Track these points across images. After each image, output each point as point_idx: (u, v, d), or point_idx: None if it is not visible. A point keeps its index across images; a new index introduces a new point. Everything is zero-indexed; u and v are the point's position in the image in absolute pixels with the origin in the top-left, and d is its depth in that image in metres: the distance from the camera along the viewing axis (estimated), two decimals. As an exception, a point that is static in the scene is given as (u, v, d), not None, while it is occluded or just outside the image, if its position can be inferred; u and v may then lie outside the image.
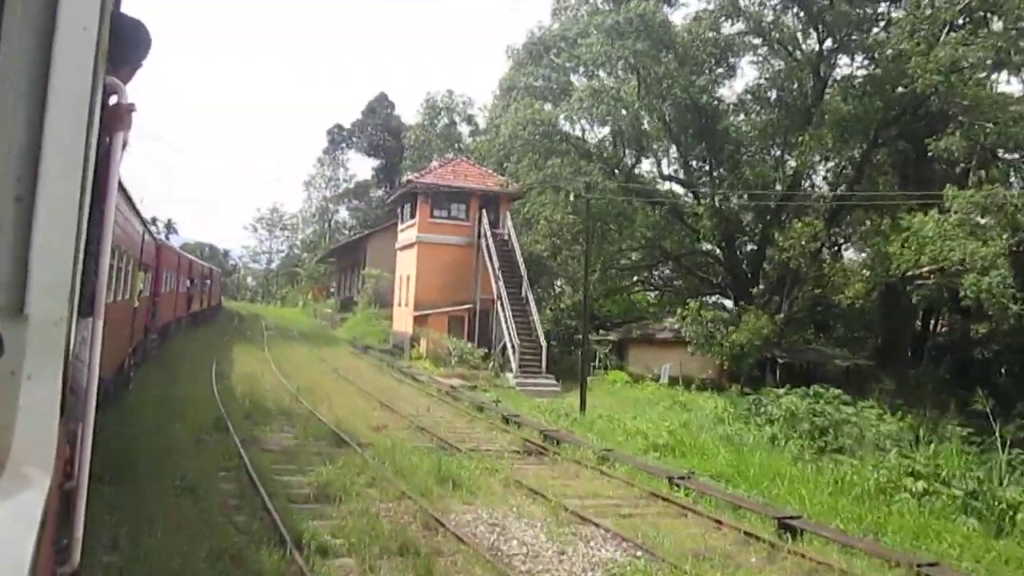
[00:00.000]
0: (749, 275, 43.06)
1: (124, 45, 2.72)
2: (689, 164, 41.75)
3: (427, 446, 14.99)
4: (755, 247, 43.25)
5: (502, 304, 32.62)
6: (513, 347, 30.71)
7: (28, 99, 1.63)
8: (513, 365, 30.43)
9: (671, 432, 18.73)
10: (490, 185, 37.56)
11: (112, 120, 2.66)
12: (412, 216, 38.19)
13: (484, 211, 36.10)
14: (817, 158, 37.46)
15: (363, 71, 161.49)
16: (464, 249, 36.70)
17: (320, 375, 25.88)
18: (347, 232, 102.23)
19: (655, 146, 39.92)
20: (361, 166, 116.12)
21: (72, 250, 1.72)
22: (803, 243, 34.34)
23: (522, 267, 33.84)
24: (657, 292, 49.61)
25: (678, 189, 45.67)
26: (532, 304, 32.68)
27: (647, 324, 40.74)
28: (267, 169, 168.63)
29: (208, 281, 44.32)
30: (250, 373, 24.37)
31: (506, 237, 35.56)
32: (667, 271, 47.43)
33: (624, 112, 36.98)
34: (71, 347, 1.86)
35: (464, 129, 51.45)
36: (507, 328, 31.51)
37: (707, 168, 41.43)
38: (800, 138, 34.79)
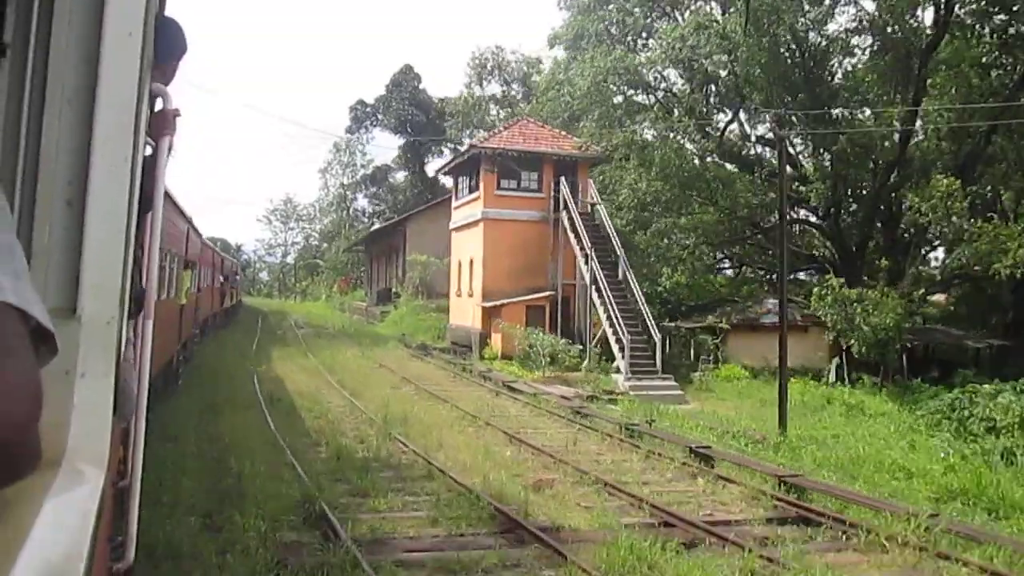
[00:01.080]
0: (855, 247, 37.00)
1: (163, 46, 2.64)
2: (790, 119, 35.53)
3: (635, 521, 9.07)
4: (863, 214, 37.11)
5: (598, 289, 26.61)
6: (621, 343, 24.72)
7: (76, 105, 1.68)
8: (621, 364, 24.46)
9: (951, 468, 12.75)
10: (566, 148, 31.46)
11: (158, 125, 2.71)
12: (473, 189, 32.16)
13: (561, 180, 30.02)
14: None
15: (382, 46, 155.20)
16: (538, 226, 30.71)
17: (393, 389, 20.03)
18: (366, 220, 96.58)
19: (754, 97, 33.69)
20: (380, 150, 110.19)
21: (122, 252, 1.76)
22: (948, 203, 28.26)
23: (617, 245, 27.78)
24: (735, 271, 43.55)
25: (761, 152, 39.45)
26: (636, 289, 26.64)
27: (745, 306, 34.61)
28: (281, 159, 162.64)
29: (237, 276, 41.00)
30: (306, 391, 18.58)
31: (589, 210, 29.49)
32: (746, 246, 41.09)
33: (726, 57, 30.88)
34: (122, 347, 1.87)
35: (518, 91, 45.05)
36: (611, 319, 25.52)
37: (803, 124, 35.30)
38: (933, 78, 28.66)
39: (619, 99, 32.38)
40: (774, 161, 37.22)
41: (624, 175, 32.15)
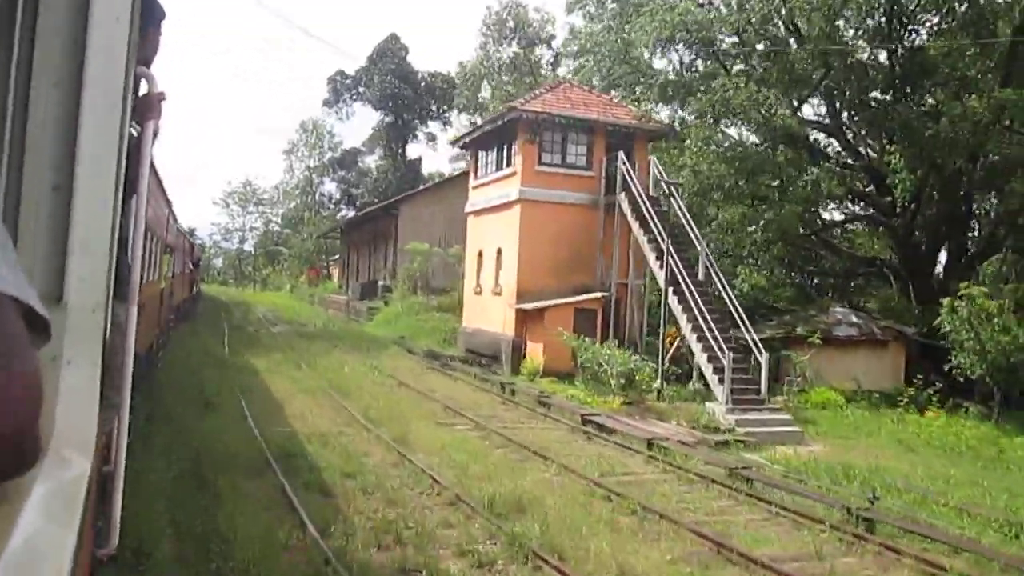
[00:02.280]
0: (924, 248, 31.98)
1: (144, 25, 2.63)
2: (863, 101, 30.23)
3: None
4: (939, 213, 32.06)
5: (678, 292, 20.93)
6: (718, 363, 19.08)
7: (64, 90, 1.66)
8: (719, 391, 18.83)
9: None
10: (622, 117, 25.68)
11: (143, 109, 2.68)
12: (503, 164, 26.19)
13: (619, 155, 24.23)
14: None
15: (367, 14, 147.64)
16: (586, 211, 24.93)
17: (442, 427, 14.26)
18: (332, 206, 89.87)
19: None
20: (349, 131, 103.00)
21: (108, 238, 1.78)
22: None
23: (697, 237, 22.09)
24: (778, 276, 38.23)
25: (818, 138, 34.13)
26: (727, 293, 21.01)
27: (808, 316, 29.19)
28: (241, 137, 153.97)
29: (200, 262, 36.76)
30: (326, 434, 12.67)
31: (653, 193, 23.76)
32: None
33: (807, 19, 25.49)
34: (107, 333, 1.87)
35: (544, 55, 38.94)
36: (699, 331, 19.86)
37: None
38: None
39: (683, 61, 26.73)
40: (831, 147, 32.19)
41: (683, 156, 26.57)
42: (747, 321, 20.39)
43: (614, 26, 29.53)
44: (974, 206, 31.94)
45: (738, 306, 20.62)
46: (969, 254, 32.07)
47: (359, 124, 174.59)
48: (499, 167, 26.48)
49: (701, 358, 19.70)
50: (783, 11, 25.06)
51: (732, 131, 30.22)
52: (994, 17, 28.07)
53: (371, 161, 77.42)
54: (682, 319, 20.64)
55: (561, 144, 24.92)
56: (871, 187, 30.48)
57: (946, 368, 24.88)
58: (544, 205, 24.42)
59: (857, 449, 17.42)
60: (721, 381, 18.89)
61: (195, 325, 29.61)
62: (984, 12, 27.06)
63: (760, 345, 19.76)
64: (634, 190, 23.27)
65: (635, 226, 23.08)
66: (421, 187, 40.06)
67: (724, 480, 11.58)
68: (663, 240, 21.49)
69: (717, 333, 19.57)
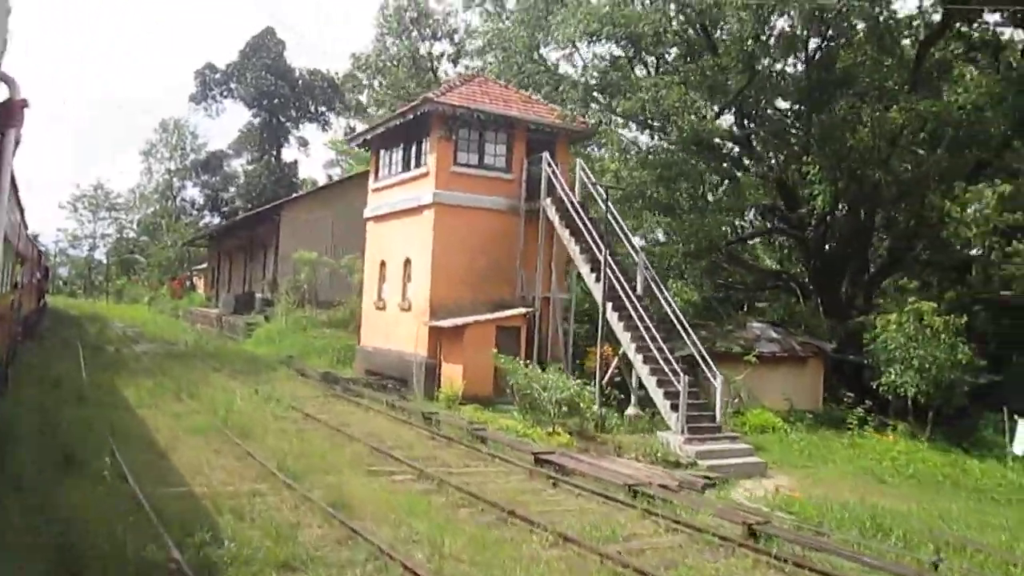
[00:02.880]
0: (835, 262, 31.60)
1: None
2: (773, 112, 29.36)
3: None
4: (846, 223, 31.75)
5: (620, 308, 18.91)
6: (670, 387, 17.13)
7: None
8: (673, 420, 16.86)
9: None
10: (543, 115, 23.51)
11: (4, 116, 2.60)
12: (413, 164, 23.47)
13: (544, 156, 22.04)
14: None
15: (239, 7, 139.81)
16: (505, 217, 22.60)
17: (373, 477, 11.60)
18: (195, 212, 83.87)
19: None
20: (214, 133, 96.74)
21: None
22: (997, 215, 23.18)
23: (634, 248, 20.19)
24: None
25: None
26: (673, 308, 19.15)
27: (725, 331, 27.88)
28: (92, 133, 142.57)
29: (48, 272, 32.99)
30: (247, 505, 9.64)
31: (579, 199, 21.66)
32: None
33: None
34: None
35: (447, 50, 36.12)
36: (644, 351, 17.89)
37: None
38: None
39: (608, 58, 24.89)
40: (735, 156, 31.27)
41: (602, 161, 24.76)
42: (695, 339, 18.58)
43: (526, 19, 27.40)
44: (876, 220, 31.78)
45: (685, 323, 18.76)
46: (870, 270, 31.86)
47: (229, 123, 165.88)
48: (407, 167, 23.74)
49: (649, 382, 17.69)
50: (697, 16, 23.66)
51: (643, 138, 28.78)
52: (896, 32, 27.78)
53: (238, 165, 72.33)
54: (624, 337, 18.61)
55: (478, 143, 22.50)
56: (779, 200, 29.62)
57: (874, 385, 24.12)
58: (460, 210, 21.92)
59: (828, 482, 15.86)
60: (674, 408, 16.97)
61: (44, 344, 25.20)
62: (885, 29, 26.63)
63: (710, 366, 17.98)
64: (563, 195, 21.12)
65: (565, 235, 20.92)
66: (304, 191, 36.48)
67: (742, 539, 9.43)
68: (599, 250, 19.41)
69: (667, 353, 17.64)
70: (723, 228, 25.93)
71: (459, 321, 20.64)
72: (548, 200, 21.62)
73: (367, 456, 13.02)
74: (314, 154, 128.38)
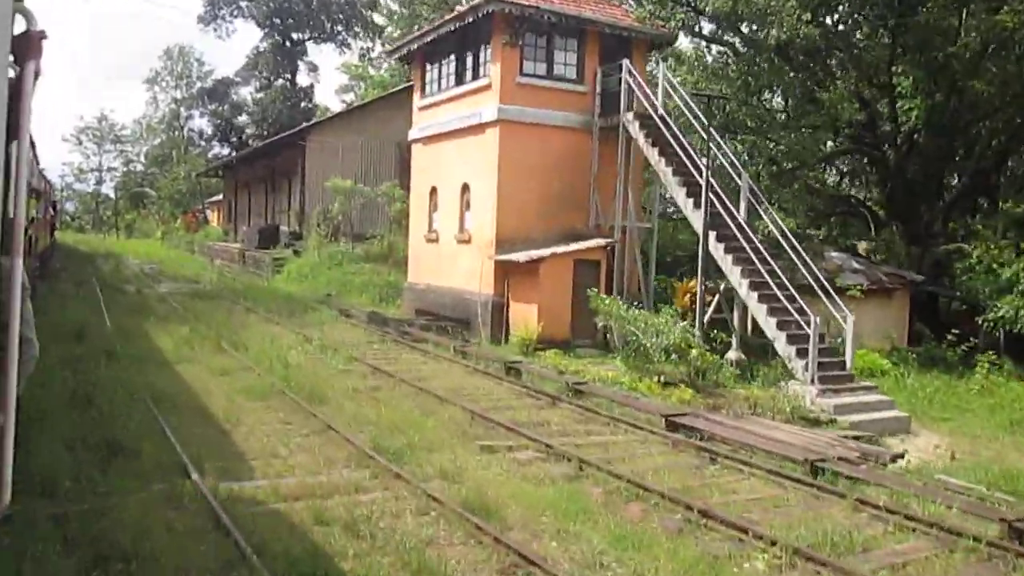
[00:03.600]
0: (917, 186, 28.63)
1: None
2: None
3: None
4: (931, 143, 28.70)
5: (725, 239, 16.29)
6: (794, 330, 14.64)
7: None
8: (799, 366, 14.37)
9: None
10: (619, 18, 20.44)
11: (23, 48, 2.57)
12: (470, 76, 20.53)
13: (623, 64, 19.10)
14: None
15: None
16: (579, 136, 19.80)
17: (490, 456, 9.31)
18: (204, 143, 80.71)
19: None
20: (220, 60, 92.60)
21: None
22: None
23: (738, 168, 17.43)
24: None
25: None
26: (792, 241, 16.55)
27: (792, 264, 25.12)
28: (94, 62, 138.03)
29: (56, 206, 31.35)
30: (351, 513, 7.28)
31: (660, 111, 18.73)
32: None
33: None
34: None
35: None
36: (760, 287, 15.35)
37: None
38: None
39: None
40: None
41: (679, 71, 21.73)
42: (815, 269, 16.01)
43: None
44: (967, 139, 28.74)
45: (804, 255, 16.15)
46: (951, 195, 28.99)
47: (236, 50, 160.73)
48: (462, 80, 20.80)
49: (768, 323, 15.14)
50: None
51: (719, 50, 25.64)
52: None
53: (247, 93, 68.74)
54: (733, 272, 15.99)
55: (546, 50, 19.52)
56: (861, 116, 26.55)
57: (981, 321, 21.64)
58: (528, 128, 19.10)
59: (985, 441, 13.43)
60: (801, 354, 14.44)
61: (58, 286, 22.71)
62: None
63: (840, 303, 15.43)
64: (648, 108, 18.26)
65: (652, 154, 18.13)
66: (331, 114, 33.47)
67: (1007, 542, 7.00)
68: (698, 170, 16.65)
69: (790, 290, 15.10)
70: (818, 145, 23.08)
71: (533, 254, 18.03)
72: (630, 115, 18.75)
73: (468, 424, 10.58)
74: (324, 80, 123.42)
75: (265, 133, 48.29)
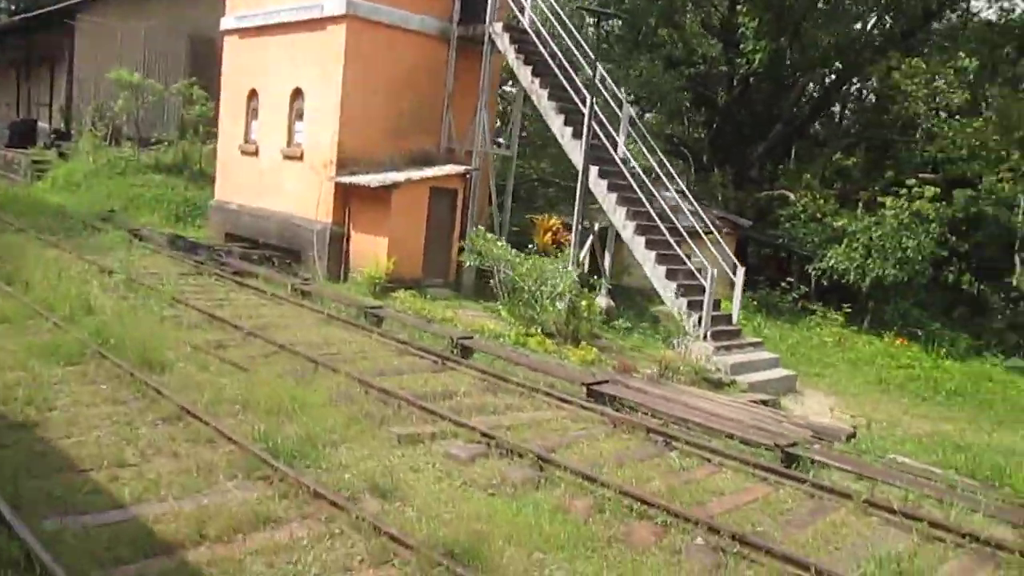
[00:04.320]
0: (745, 133, 29.19)
1: None
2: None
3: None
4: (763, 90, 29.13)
5: (607, 175, 14.78)
6: (682, 280, 13.54)
7: None
8: (691, 323, 13.31)
9: None
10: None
11: None
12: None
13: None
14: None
15: None
16: (435, 45, 17.30)
17: (415, 451, 7.18)
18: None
19: None
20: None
21: None
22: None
23: (621, 97, 15.82)
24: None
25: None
26: (680, 183, 15.37)
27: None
28: None
29: None
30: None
31: (536, 24, 16.72)
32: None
33: None
34: None
35: None
36: (646, 230, 14.09)
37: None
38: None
39: None
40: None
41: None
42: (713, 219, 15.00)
43: None
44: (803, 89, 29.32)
45: (692, 198, 15.06)
46: (769, 142, 29.57)
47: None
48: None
49: (656, 272, 13.91)
50: None
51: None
52: None
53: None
54: (617, 213, 14.54)
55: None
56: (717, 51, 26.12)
57: (809, 270, 22.12)
58: (380, 29, 16.35)
59: (868, 400, 13.21)
60: (693, 307, 13.38)
61: None
62: None
63: (732, 255, 14.53)
64: (521, 18, 16.16)
65: (525, 74, 16.09)
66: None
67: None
68: (580, 95, 14.91)
69: (684, 236, 13.96)
70: (673, 81, 22.07)
71: (386, 178, 15.52)
72: (498, 26, 16.53)
73: (363, 398, 8.31)
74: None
75: (16, 7, 40.24)
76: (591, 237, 15.96)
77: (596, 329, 13.84)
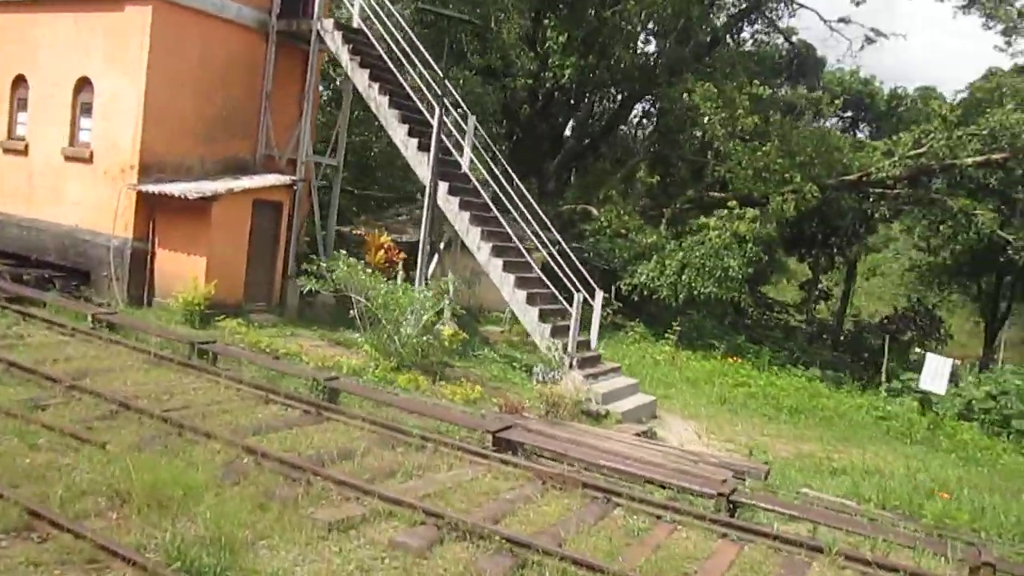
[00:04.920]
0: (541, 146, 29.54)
1: None
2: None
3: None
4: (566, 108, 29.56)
5: (457, 191, 13.82)
6: (545, 304, 12.93)
7: None
8: (559, 349, 12.70)
9: None
10: None
11: None
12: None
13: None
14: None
15: None
16: (253, 39, 15.43)
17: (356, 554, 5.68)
18: None
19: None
20: None
21: None
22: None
23: (464, 109, 14.87)
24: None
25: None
26: (530, 199, 14.66)
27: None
28: None
29: None
30: None
31: (376, 26, 15.44)
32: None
33: None
34: None
35: None
36: (503, 252, 13.35)
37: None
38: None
39: None
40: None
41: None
42: (558, 239, 14.47)
43: None
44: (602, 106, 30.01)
45: (540, 211, 14.48)
46: (562, 156, 30.04)
47: None
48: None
49: (516, 297, 13.16)
50: None
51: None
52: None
53: None
54: (471, 234, 13.62)
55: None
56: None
57: (621, 287, 22.52)
58: (190, 15, 14.28)
59: (720, 420, 13.37)
60: (557, 333, 12.81)
61: None
62: None
63: (584, 273, 14.08)
64: (355, 15, 14.82)
65: (362, 78, 14.70)
66: None
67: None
68: (432, 104, 13.87)
69: (538, 255, 13.32)
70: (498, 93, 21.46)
71: (204, 189, 13.46)
72: (329, 23, 15.00)
73: (256, 473, 6.74)
74: None
75: None
76: (437, 255, 14.90)
77: (447, 358, 12.85)
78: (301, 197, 15.32)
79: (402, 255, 15.79)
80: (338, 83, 18.72)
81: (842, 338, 33.72)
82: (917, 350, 25.22)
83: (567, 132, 29.97)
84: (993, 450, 13.10)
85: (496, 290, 13.56)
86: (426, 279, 13.84)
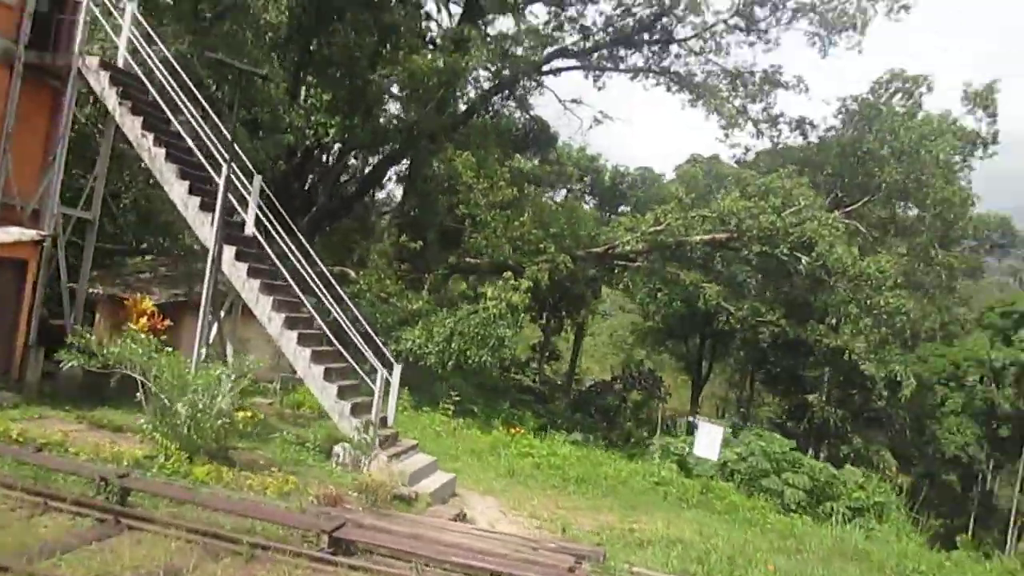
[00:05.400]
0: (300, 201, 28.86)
1: None
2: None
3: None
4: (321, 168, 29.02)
5: (244, 256, 12.83)
6: (344, 378, 12.30)
7: None
8: (356, 428, 12.05)
9: None
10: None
11: None
12: None
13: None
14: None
15: None
16: (-8, 68, 13.35)
17: None
18: None
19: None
20: None
21: None
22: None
23: (252, 165, 13.84)
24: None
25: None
26: (321, 265, 13.90)
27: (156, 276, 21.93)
28: None
29: None
30: None
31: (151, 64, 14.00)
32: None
33: None
34: None
35: None
36: (296, 323, 12.59)
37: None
38: None
39: None
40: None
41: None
42: (349, 306, 13.85)
43: None
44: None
45: (332, 279, 13.83)
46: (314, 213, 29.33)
47: None
48: None
49: (312, 373, 12.33)
50: None
51: None
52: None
53: None
54: (262, 304, 12.61)
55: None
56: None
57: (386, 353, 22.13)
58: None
59: (520, 497, 13.52)
60: (358, 411, 12.23)
61: None
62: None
63: (379, 344, 13.61)
64: (120, 54, 13.40)
65: (134, 127, 13.20)
66: None
67: None
68: (217, 155, 12.82)
69: (337, 327, 12.67)
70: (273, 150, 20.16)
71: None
72: (94, 61, 13.38)
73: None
74: None
75: None
76: (217, 323, 13.54)
77: (236, 441, 11.71)
78: (48, 255, 13.31)
79: (167, 322, 14.22)
80: (99, 126, 16.65)
81: (571, 397, 35.81)
82: (664, 409, 27.28)
83: (319, 190, 29.15)
84: (757, 509, 14.43)
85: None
86: (206, 349, 12.58)
